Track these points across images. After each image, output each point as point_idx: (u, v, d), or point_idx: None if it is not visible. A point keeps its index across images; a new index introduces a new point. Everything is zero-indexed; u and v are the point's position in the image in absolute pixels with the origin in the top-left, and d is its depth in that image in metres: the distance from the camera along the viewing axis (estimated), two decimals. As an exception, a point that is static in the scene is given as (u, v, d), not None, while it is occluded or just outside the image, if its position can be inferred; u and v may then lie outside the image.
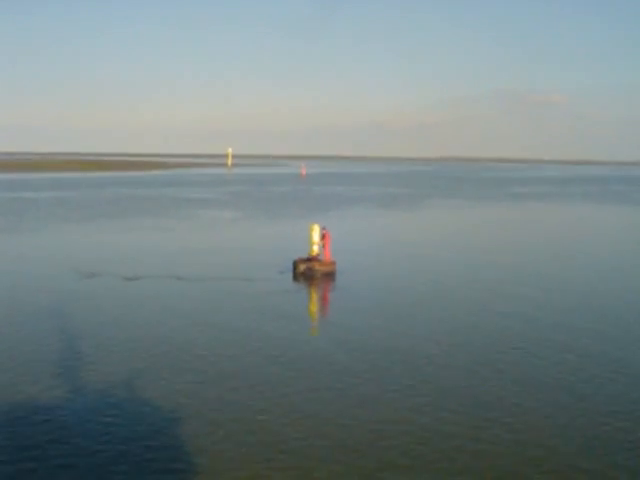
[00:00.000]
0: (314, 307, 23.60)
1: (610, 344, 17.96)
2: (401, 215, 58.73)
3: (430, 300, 23.26)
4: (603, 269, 31.15)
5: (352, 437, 12.01)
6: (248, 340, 17.82)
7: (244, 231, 43.65)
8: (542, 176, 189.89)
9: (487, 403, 13.72)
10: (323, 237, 28.19)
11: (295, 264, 27.59)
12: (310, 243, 28.18)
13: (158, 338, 17.84)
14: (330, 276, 27.14)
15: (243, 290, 24.13)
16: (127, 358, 16.13)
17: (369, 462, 11.13)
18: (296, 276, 26.98)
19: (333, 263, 28.10)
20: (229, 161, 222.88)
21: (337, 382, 14.76)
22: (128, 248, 34.31)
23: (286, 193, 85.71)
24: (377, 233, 44.15)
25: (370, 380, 14.92)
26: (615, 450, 11.71)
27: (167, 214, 53.17)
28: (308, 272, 27.00)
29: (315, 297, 24.96)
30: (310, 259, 27.81)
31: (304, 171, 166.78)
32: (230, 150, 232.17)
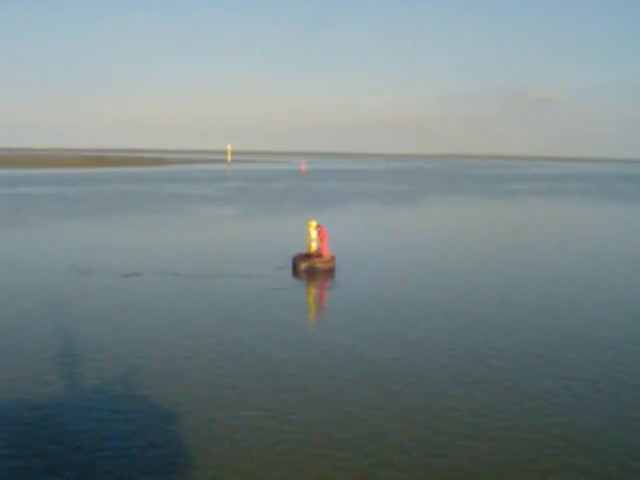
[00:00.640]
0: (316, 303, 23.50)
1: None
2: (401, 211, 58.59)
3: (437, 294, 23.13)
4: (606, 262, 31.02)
5: (350, 434, 11.92)
6: (248, 339, 17.70)
7: (242, 227, 43.53)
8: (543, 173, 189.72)
9: (492, 404, 13.59)
10: (319, 233, 28.04)
11: (295, 262, 27.41)
12: (308, 239, 28.08)
13: (155, 335, 17.72)
14: (330, 272, 27.05)
15: (242, 287, 24.00)
16: (123, 355, 16.03)
17: (366, 459, 11.03)
18: (295, 272, 26.85)
19: (333, 258, 27.98)
20: (228, 157, 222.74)
21: (338, 383, 14.61)
22: (126, 244, 34.18)
23: (285, 189, 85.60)
24: (376, 229, 44.00)
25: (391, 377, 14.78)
26: None
27: (165, 210, 53.05)
28: (310, 270, 26.85)
29: (316, 293, 24.84)
30: (309, 255, 27.68)
31: (304, 167, 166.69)
32: (229, 146, 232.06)
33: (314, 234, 27.95)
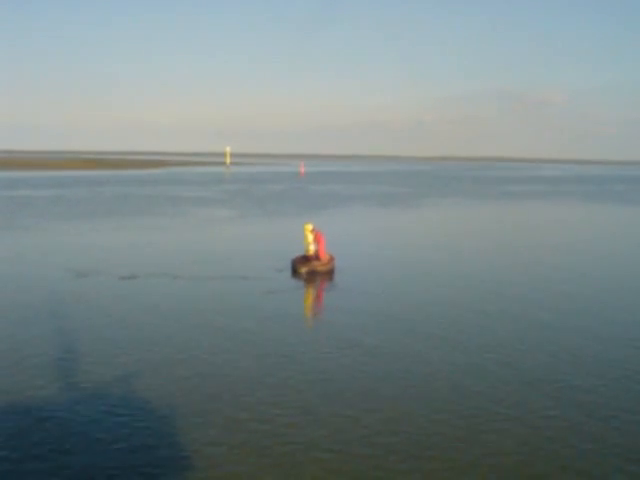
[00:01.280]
0: (315, 305, 23.45)
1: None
2: (399, 213, 58.60)
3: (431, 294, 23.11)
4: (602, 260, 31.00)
5: (345, 437, 11.89)
6: (247, 340, 17.65)
7: (241, 229, 43.50)
8: (542, 175, 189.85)
9: (492, 404, 13.55)
10: (315, 237, 28.00)
11: (295, 265, 27.37)
12: (305, 243, 28.05)
13: (153, 337, 17.66)
14: (330, 274, 27.06)
15: (241, 289, 23.95)
16: (118, 357, 15.96)
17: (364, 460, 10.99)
18: (295, 275, 26.84)
19: (332, 259, 27.98)
20: (227, 160, 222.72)
21: (340, 383, 14.58)
22: (123, 246, 34.13)
23: (283, 191, 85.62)
24: (375, 231, 43.99)
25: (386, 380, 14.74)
26: None
27: (163, 212, 53.03)
28: (310, 273, 26.84)
29: (316, 295, 24.82)
30: (308, 258, 27.64)
31: (302, 170, 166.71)
32: (228, 149, 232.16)
33: (311, 237, 27.92)
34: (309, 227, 28.05)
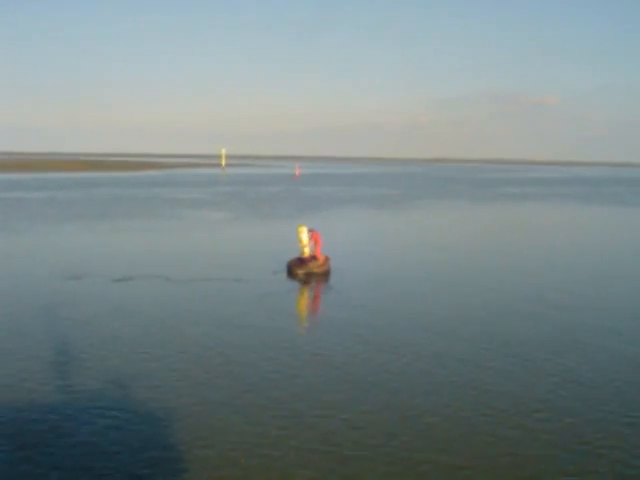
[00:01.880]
0: (311, 308, 23.45)
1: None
2: (395, 215, 58.58)
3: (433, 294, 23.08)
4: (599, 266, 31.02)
5: (337, 440, 11.82)
6: (245, 342, 17.60)
7: (236, 231, 43.40)
8: (537, 177, 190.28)
9: (494, 402, 13.51)
10: (311, 237, 27.97)
11: (291, 267, 27.34)
12: (300, 245, 27.97)
13: (145, 341, 17.58)
14: (325, 275, 27.06)
15: (236, 291, 23.88)
16: (112, 360, 15.88)
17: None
18: (291, 277, 26.81)
19: (327, 260, 27.97)
20: (223, 161, 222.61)
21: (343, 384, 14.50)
22: (117, 249, 34.02)
23: (278, 193, 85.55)
24: (370, 233, 43.95)
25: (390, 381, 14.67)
26: None
27: (159, 214, 52.89)
28: (306, 275, 26.82)
29: (312, 297, 24.87)
30: (303, 260, 27.59)
31: (298, 171, 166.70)
32: (224, 150, 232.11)
33: (305, 239, 27.85)
34: (303, 229, 28.00)
